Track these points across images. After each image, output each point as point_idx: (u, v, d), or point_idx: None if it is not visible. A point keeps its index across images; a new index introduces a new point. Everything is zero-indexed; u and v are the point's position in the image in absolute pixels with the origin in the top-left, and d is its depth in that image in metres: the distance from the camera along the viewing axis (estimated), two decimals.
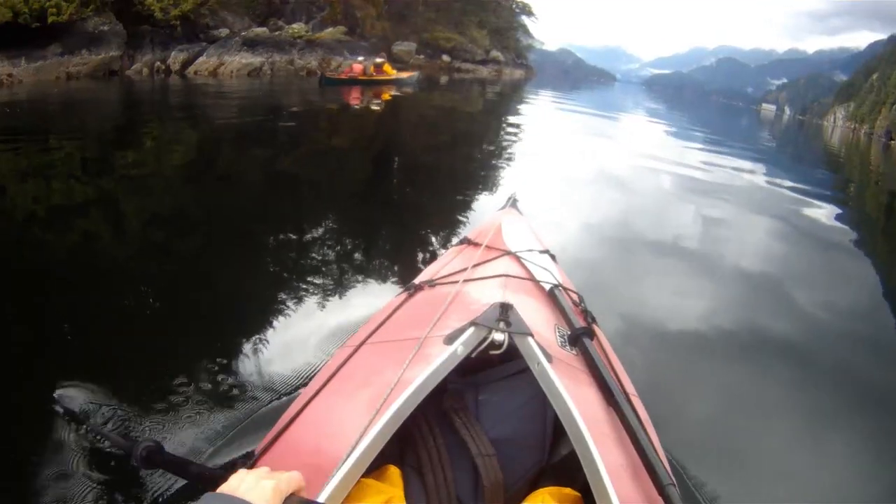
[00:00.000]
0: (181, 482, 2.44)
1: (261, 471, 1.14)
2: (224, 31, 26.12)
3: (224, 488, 1.08)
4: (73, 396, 2.73)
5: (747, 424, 3.69)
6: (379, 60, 29.10)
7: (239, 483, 1.09)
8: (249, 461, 1.68)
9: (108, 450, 2.49)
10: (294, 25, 31.14)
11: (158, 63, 23.04)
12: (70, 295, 4.42)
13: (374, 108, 21.49)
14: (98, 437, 2.50)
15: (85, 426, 2.64)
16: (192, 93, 19.55)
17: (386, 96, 24.38)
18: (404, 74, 30.68)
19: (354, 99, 22.51)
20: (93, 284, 4.64)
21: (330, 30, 33.80)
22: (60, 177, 7.79)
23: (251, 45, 27.12)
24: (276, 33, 29.47)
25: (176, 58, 23.73)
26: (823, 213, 11.36)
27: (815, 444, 3.64)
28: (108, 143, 10.51)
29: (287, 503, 1.11)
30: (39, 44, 18.39)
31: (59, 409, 2.61)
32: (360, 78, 26.95)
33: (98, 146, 10.25)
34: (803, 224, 10.15)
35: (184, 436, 2.82)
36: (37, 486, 2.47)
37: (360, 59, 29.26)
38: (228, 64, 25.54)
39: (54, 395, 2.67)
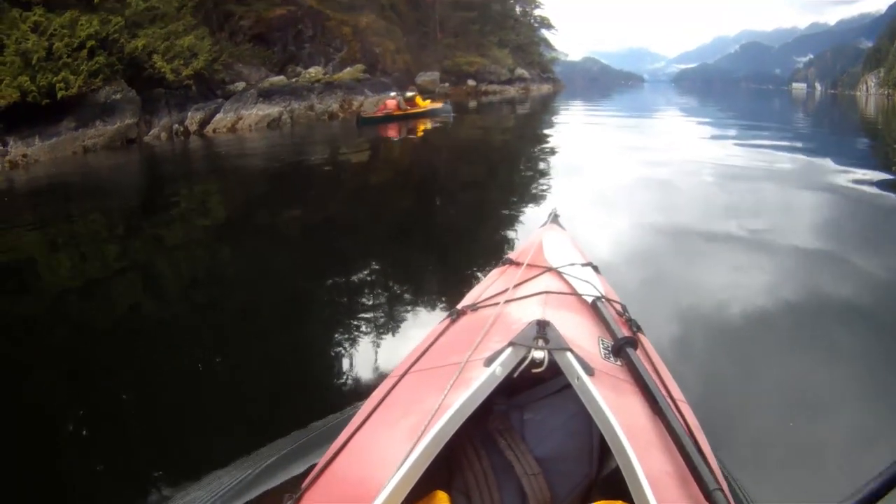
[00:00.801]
0: None
1: None
2: (240, 85, 25.16)
3: None
4: None
5: (808, 422, 3.51)
6: (410, 94, 27.98)
7: None
8: (297, 494, 1.67)
9: None
10: (311, 70, 30.13)
11: (177, 125, 22.14)
12: (120, 362, 4.46)
13: (411, 141, 21.07)
14: None
15: None
16: (211, 152, 18.92)
17: (421, 129, 23.75)
18: (437, 104, 29.55)
19: (392, 135, 22.05)
20: (142, 350, 4.69)
21: (348, 70, 32.74)
22: (92, 251, 7.83)
23: (267, 95, 25.96)
24: (294, 80, 28.59)
25: (193, 118, 22.72)
26: (871, 183, 11.13)
27: (888, 439, 3.29)
28: (134, 214, 10.24)
29: None
30: (52, 120, 17.74)
31: None
32: (396, 113, 25.87)
33: (125, 218, 9.91)
34: (855, 199, 9.79)
35: (233, 471, 2.92)
36: None
37: (393, 94, 28.45)
38: (246, 118, 24.38)
39: None
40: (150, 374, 4.24)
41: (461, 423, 1.68)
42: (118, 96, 19.45)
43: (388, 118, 25.67)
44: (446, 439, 1.62)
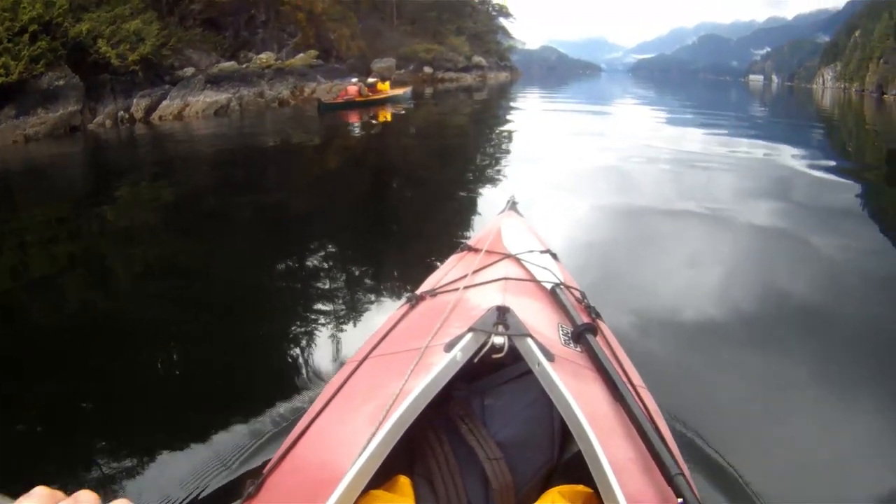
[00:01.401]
0: None
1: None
2: (189, 71, 24.24)
3: None
4: None
5: (763, 408, 3.63)
6: (371, 80, 28.32)
7: None
8: (258, 479, 1.67)
9: None
10: (262, 55, 29.34)
11: (122, 112, 21.29)
12: (68, 356, 4.34)
13: (372, 127, 21.25)
14: None
15: None
16: (158, 140, 18.33)
17: (382, 116, 23.82)
18: (399, 91, 29.94)
19: (353, 121, 22.32)
20: (92, 343, 4.56)
21: (301, 56, 32.12)
22: (37, 245, 7.47)
23: (215, 81, 25.04)
24: (245, 66, 27.77)
25: (138, 105, 21.85)
26: (827, 175, 11.38)
27: (837, 427, 3.47)
28: (80, 205, 9.77)
29: None
30: None
31: None
32: (358, 100, 26.39)
33: (70, 209, 9.48)
34: (809, 191, 10.06)
35: (194, 459, 2.91)
36: None
37: (354, 80, 28.76)
38: (193, 105, 23.48)
39: None
40: (101, 367, 4.14)
41: (422, 408, 1.68)
42: (61, 82, 18.69)
43: (350, 104, 25.79)
44: (408, 424, 1.62)
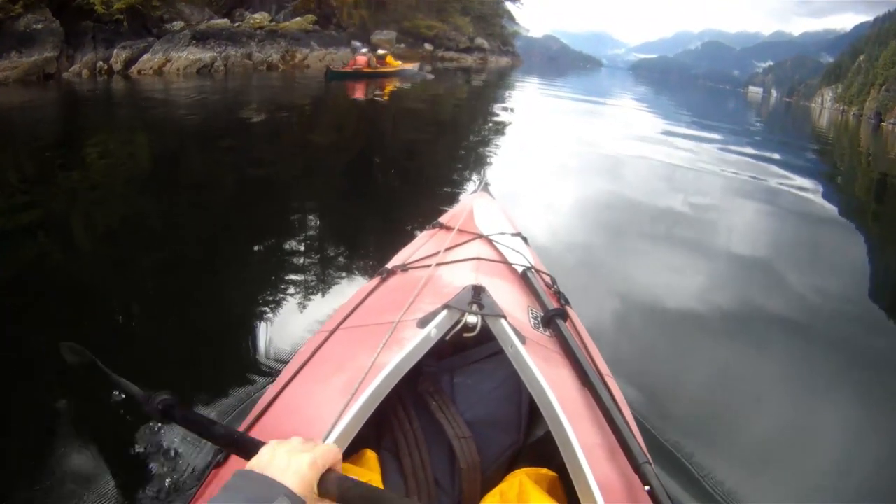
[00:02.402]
0: (198, 445, 2.63)
1: (293, 442, 1.04)
2: (178, 24, 23.02)
3: (254, 464, 0.98)
4: (78, 350, 2.02)
5: (724, 401, 3.75)
6: (381, 52, 28.29)
7: (271, 458, 0.98)
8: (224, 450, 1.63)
9: (121, 399, 1.97)
10: (256, 15, 28.13)
11: (101, 63, 20.05)
12: (31, 319, 4.11)
13: (376, 101, 20.65)
14: (112, 386, 1.83)
15: (95, 372, 1.94)
16: (137, 96, 17.21)
17: (388, 89, 23.60)
18: (407, 65, 29.80)
19: (359, 94, 21.78)
20: (54, 307, 4.33)
21: (297, 19, 30.93)
22: None
23: (202, 38, 23.62)
24: (237, 24, 26.50)
25: (118, 56, 20.54)
26: (813, 194, 11.54)
27: (793, 418, 3.66)
28: (46, 157, 9.07)
29: (324, 480, 1.00)
30: None
31: (67, 358, 1.97)
32: (366, 71, 26.23)
33: (35, 161, 8.85)
34: (791, 205, 10.22)
35: (162, 427, 2.76)
36: (48, 449, 2.72)
37: (364, 50, 28.43)
38: (175, 61, 22.16)
39: (61, 345, 1.97)
40: (57, 332, 3.77)
41: (395, 383, 1.68)
42: (39, 26, 17.63)
43: (358, 74, 25.70)
44: (381, 399, 1.62)
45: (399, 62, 29.05)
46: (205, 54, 23.60)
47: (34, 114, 13.57)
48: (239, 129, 12.88)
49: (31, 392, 3.31)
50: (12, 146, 9.81)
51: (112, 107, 15.87)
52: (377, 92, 22.46)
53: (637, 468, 1.48)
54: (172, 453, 2.68)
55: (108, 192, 7.56)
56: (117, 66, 20.51)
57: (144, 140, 11.27)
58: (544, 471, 1.65)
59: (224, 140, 11.64)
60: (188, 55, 22.80)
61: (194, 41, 23.27)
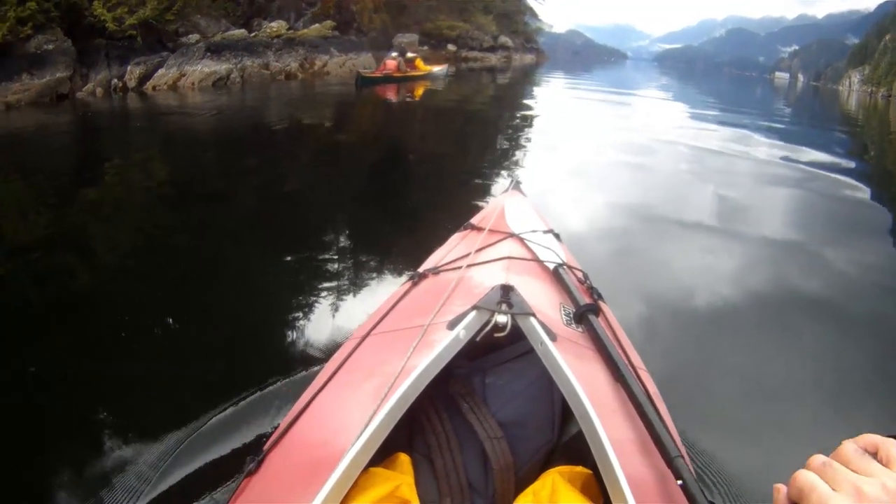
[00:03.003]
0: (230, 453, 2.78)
1: None
2: (194, 38, 22.30)
3: None
4: None
5: (761, 395, 3.65)
6: (410, 55, 28.04)
7: None
8: (259, 455, 1.71)
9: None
10: (272, 24, 27.28)
11: (115, 80, 19.44)
12: (69, 331, 4.26)
13: (409, 104, 21.00)
14: None
15: None
16: (153, 112, 16.80)
17: (419, 92, 23.78)
18: (436, 68, 29.72)
19: (390, 97, 22.08)
20: (93, 317, 4.51)
21: (315, 26, 30.03)
22: (12, 217, 7.07)
23: (217, 50, 22.93)
24: (253, 35, 25.70)
25: (132, 72, 19.90)
26: (844, 177, 11.18)
27: (835, 418, 3.47)
28: (65, 178, 9.18)
29: None
30: None
31: None
32: (396, 75, 25.93)
33: (54, 184, 8.65)
34: (823, 190, 9.98)
35: (194, 436, 2.92)
36: None
37: (394, 54, 27.61)
38: (189, 75, 21.44)
39: None
40: (95, 344, 4.06)
41: (425, 385, 1.66)
42: (51, 46, 17.02)
43: (388, 79, 25.42)
44: (410, 402, 1.60)
45: (426, 66, 28.80)
46: (220, 66, 22.87)
47: (49, 136, 12.97)
48: (261, 138, 12.80)
49: (58, 403, 3.38)
50: (29, 169, 9.45)
51: (127, 125, 15.32)
52: (408, 95, 22.51)
53: (669, 462, 1.46)
54: (203, 462, 2.72)
55: (130, 208, 7.45)
56: (132, 83, 19.88)
57: (163, 156, 11.03)
58: (578, 468, 1.63)
59: (246, 149, 11.63)
60: (202, 68, 22.07)
61: (209, 53, 22.56)
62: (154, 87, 20.35)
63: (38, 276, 5.31)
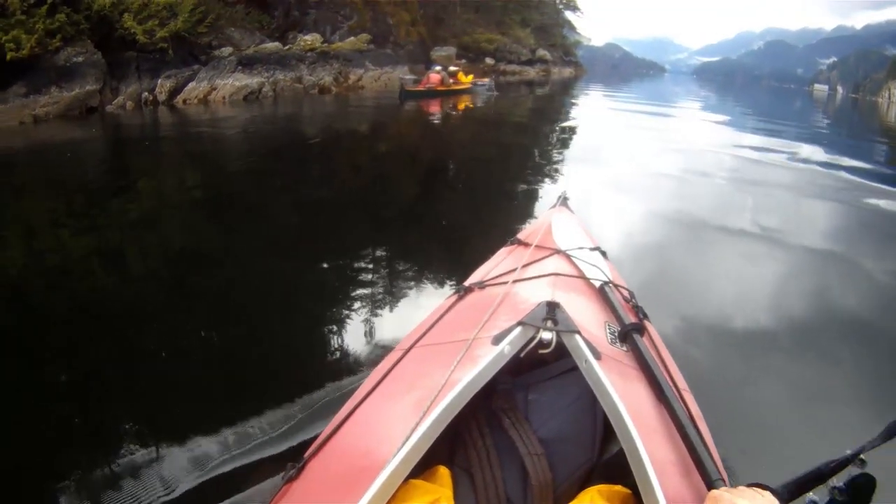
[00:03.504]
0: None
1: None
2: (227, 51, 21.80)
3: None
4: None
5: (809, 418, 3.65)
6: (453, 69, 28.39)
7: None
8: (299, 463, 1.75)
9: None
10: (307, 37, 26.70)
11: (146, 94, 18.97)
12: (117, 342, 4.31)
13: (449, 118, 20.78)
14: None
15: None
16: (183, 127, 16.51)
17: (462, 105, 23.80)
18: (479, 81, 29.57)
19: (434, 111, 21.80)
20: (142, 329, 4.52)
21: (351, 39, 29.56)
22: (48, 234, 6.99)
23: (248, 63, 22.39)
24: (287, 48, 25.17)
25: (162, 86, 19.40)
26: (889, 192, 10.97)
27: (887, 451, 2.56)
28: (96, 192, 9.02)
29: None
30: None
31: None
32: (439, 89, 25.98)
33: (84, 197, 8.72)
34: (869, 206, 9.74)
35: (236, 442, 3.02)
36: None
37: (437, 68, 28.15)
38: (220, 88, 21.01)
39: None
40: (153, 352, 4.14)
41: (467, 399, 1.68)
42: (80, 59, 16.63)
43: (431, 93, 25.48)
44: (453, 415, 1.61)
45: (470, 77, 28.67)
46: (252, 80, 22.41)
47: (78, 150, 12.66)
48: (296, 153, 12.71)
49: (91, 411, 3.44)
50: (58, 183, 9.49)
51: (158, 139, 14.98)
52: (450, 108, 22.43)
53: (710, 485, 1.44)
54: (245, 468, 2.80)
55: (164, 224, 7.43)
56: (162, 97, 19.44)
57: (195, 171, 11.03)
58: (618, 488, 1.61)
59: (281, 164, 11.50)
60: (234, 82, 21.63)
61: (240, 67, 22.11)
62: (185, 101, 19.91)
63: (73, 290, 5.34)
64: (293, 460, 1.76)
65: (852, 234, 7.97)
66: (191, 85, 20.19)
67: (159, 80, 19.42)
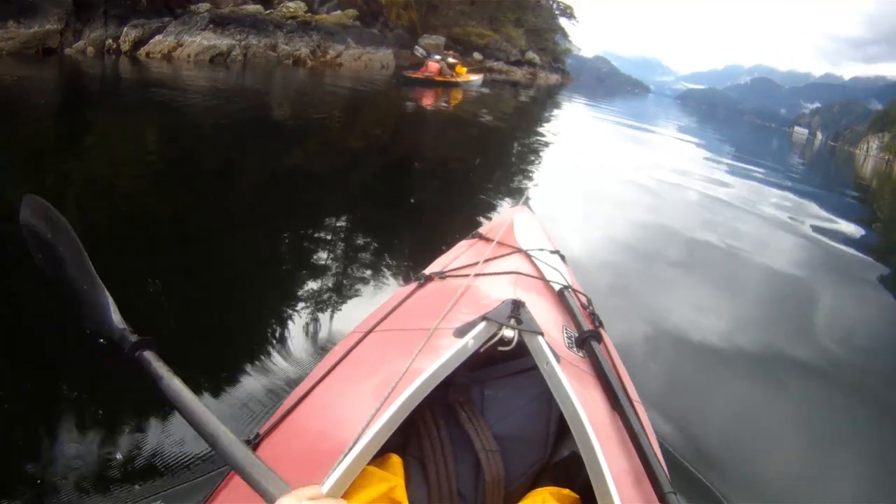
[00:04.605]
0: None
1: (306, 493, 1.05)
2: (205, 6, 20.36)
3: None
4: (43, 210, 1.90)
5: (751, 436, 3.74)
6: (452, 60, 28.24)
7: None
8: (254, 440, 1.67)
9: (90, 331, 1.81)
10: (290, 4, 25.36)
11: (110, 41, 17.65)
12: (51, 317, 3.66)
13: (444, 111, 20.30)
14: (70, 299, 1.77)
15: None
16: (144, 82, 15.15)
17: (455, 99, 23.29)
18: (473, 76, 29.44)
19: (428, 102, 21.49)
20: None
21: (337, 13, 28.36)
22: None
23: (221, 23, 21.23)
24: (268, 12, 23.58)
25: (127, 34, 18.45)
26: (849, 242, 11.30)
27: (816, 462, 3.69)
28: (37, 147, 7.78)
29: None
30: None
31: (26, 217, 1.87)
32: (437, 79, 25.86)
33: (28, 149, 7.62)
34: (827, 250, 9.98)
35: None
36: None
37: (437, 57, 28.02)
38: (187, 45, 19.97)
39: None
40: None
41: (430, 390, 1.64)
42: None
43: (429, 82, 25.39)
44: (415, 405, 1.59)
45: (464, 71, 28.51)
46: (221, 41, 20.94)
47: (26, 93, 11.67)
48: (263, 128, 11.87)
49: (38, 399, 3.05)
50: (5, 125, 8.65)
51: (110, 92, 13.80)
52: (444, 101, 22.13)
53: (662, 497, 1.45)
54: (193, 445, 2.63)
55: (115, 186, 6.80)
56: (125, 47, 18.27)
57: (152, 135, 9.87)
58: (566, 491, 1.57)
59: (247, 138, 10.62)
60: (201, 41, 20.18)
61: (212, 25, 20.66)
62: (148, 54, 18.77)
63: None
64: (248, 439, 1.61)
65: (807, 272, 8.10)
66: (157, 38, 19.03)
67: (125, 29, 18.32)
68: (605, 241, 7.46)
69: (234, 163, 8.65)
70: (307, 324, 4.10)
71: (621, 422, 1.75)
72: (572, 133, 21.24)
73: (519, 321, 1.89)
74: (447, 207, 8.15)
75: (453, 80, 26.83)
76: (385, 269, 5.39)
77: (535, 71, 59.11)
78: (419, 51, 28.93)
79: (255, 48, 22.42)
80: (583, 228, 7.88)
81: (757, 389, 4.43)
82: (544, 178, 11.24)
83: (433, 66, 26.29)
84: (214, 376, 3.20)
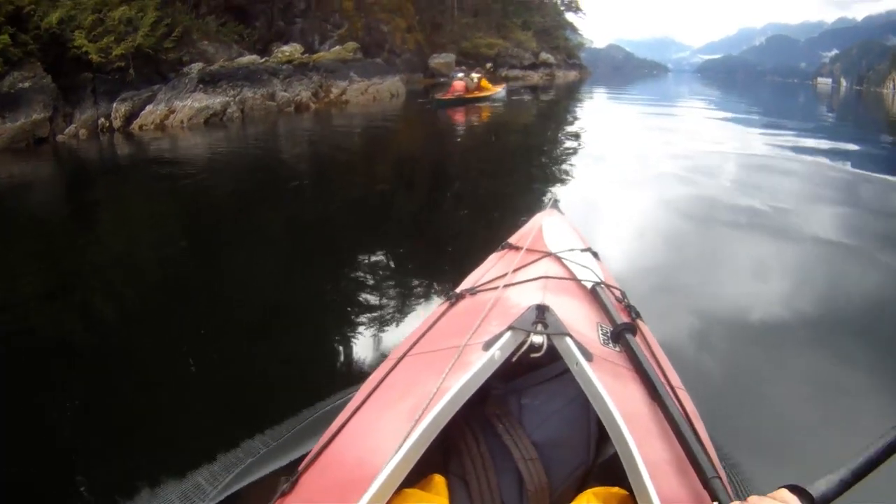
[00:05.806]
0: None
1: None
2: (196, 67, 19.15)
3: None
4: None
5: (805, 419, 3.60)
6: (475, 76, 27.70)
7: None
8: (293, 477, 1.69)
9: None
10: (286, 48, 24.17)
11: (102, 120, 16.66)
12: (104, 359, 4.38)
13: (477, 127, 20.52)
14: None
15: None
16: (131, 162, 14.38)
17: (485, 113, 23.41)
18: (498, 87, 29.11)
19: (459, 119, 21.61)
20: (131, 343, 4.61)
21: (336, 49, 27.08)
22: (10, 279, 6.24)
23: (211, 81, 19.36)
24: (264, 60, 22.36)
25: (118, 110, 16.78)
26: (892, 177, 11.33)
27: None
28: (45, 242, 7.80)
29: None
30: None
31: None
32: (466, 96, 25.57)
33: (36, 245, 7.71)
34: (873, 205, 9.64)
35: (229, 456, 2.99)
36: None
37: (460, 75, 27.94)
38: (179, 111, 18.21)
39: None
40: (140, 369, 4.18)
41: (459, 406, 1.66)
42: (27, 84, 14.80)
43: (460, 101, 25.02)
44: (444, 423, 1.60)
45: (491, 87, 27.94)
46: (213, 100, 19.35)
47: (22, 190, 11.14)
48: (276, 182, 11.41)
49: (61, 459, 3.25)
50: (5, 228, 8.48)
51: (104, 182, 12.50)
52: (475, 117, 22.18)
53: (706, 483, 1.42)
54: (240, 485, 2.73)
55: (134, 263, 6.84)
56: (117, 123, 17.15)
57: (159, 214, 9.44)
58: (614, 490, 1.55)
59: (266, 193, 10.49)
60: (192, 103, 18.72)
61: (202, 85, 19.28)
62: (141, 127, 17.52)
63: (46, 333, 4.96)
64: (287, 474, 1.65)
65: (855, 233, 7.71)
66: (148, 108, 17.80)
67: (114, 104, 17.26)
68: (640, 231, 7.41)
69: (255, 215, 8.58)
70: (344, 358, 4.27)
71: (661, 412, 1.69)
72: (596, 127, 20.58)
73: (545, 325, 1.87)
74: (478, 224, 8.06)
75: (482, 94, 26.53)
76: (420, 293, 5.46)
77: (551, 71, 58.27)
78: (457, 74, 28.63)
79: (252, 101, 20.93)
80: (616, 222, 7.83)
81: (807, 366, 4.24)
82: (573, 178, 11.09)
83: (458, 84, 26.01)
84: (255, 420, 3.19)
